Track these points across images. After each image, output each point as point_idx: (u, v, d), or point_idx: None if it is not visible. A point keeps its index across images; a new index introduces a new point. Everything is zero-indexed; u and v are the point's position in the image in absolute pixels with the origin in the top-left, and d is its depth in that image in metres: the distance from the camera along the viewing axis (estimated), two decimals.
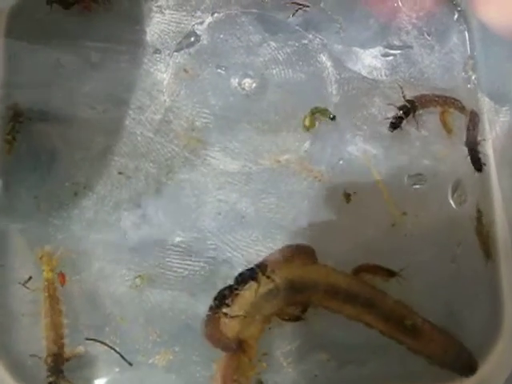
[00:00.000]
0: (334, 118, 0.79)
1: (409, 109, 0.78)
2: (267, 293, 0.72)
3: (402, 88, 0.79)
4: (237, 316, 0.71)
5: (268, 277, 0.72)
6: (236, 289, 0.72)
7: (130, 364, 0.75)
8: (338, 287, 0.73)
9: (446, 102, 0.80)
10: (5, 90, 0.80)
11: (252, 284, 0.72)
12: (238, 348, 0.71)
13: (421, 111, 0.79)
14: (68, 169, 0.78)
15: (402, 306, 0.73)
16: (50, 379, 0.73)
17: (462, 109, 0.80)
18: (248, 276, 0.72)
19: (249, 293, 0.72)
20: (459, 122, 0.80)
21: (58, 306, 0.75)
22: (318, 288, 0.73)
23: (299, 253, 0.76)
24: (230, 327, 0.72)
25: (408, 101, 0.79)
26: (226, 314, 0.71)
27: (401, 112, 0.78)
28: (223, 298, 0.72)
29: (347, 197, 0.78)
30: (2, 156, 0.78)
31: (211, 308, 0.72)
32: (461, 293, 0.76)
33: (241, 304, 0.72)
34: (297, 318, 0.75)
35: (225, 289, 0.72)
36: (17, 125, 0.79)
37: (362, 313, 0.73)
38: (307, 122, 0.79)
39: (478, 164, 0.78)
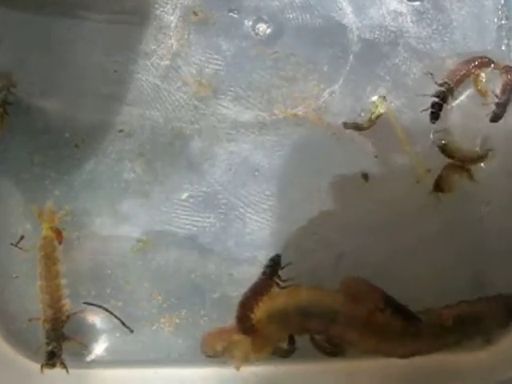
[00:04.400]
0: None
1: (445, 93, 0.73)
2: (324, 309, 0.65)
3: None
4: (287, 286, 0.66)
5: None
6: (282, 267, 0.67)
7: (131, 331, 0.72)
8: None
9: (476, 66, 0.74)
10: None
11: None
12: (247, 333, 0.65)
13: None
14: (67, 118, 0.73)
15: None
16: (50, 347, 0.68)
17: (489, 64, 0.74)
18: None
19: (306, 292, 0.65)
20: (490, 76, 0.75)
21: (55, 266, 0.70)
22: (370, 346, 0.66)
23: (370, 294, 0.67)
24: (264, 312, 0.65)
25: (442, 84, 0.73)
26: (277, 284, 0.66)
27: (438, 99, 0.73)
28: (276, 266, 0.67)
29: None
30: None
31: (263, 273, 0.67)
32: (489, 253, 0.73)
33: (292, 297, 0.65)
34: (327, 353, 0.69)
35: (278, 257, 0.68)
36: (9, 96, 0.72)
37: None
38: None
39: (497, 117, 0.73)
